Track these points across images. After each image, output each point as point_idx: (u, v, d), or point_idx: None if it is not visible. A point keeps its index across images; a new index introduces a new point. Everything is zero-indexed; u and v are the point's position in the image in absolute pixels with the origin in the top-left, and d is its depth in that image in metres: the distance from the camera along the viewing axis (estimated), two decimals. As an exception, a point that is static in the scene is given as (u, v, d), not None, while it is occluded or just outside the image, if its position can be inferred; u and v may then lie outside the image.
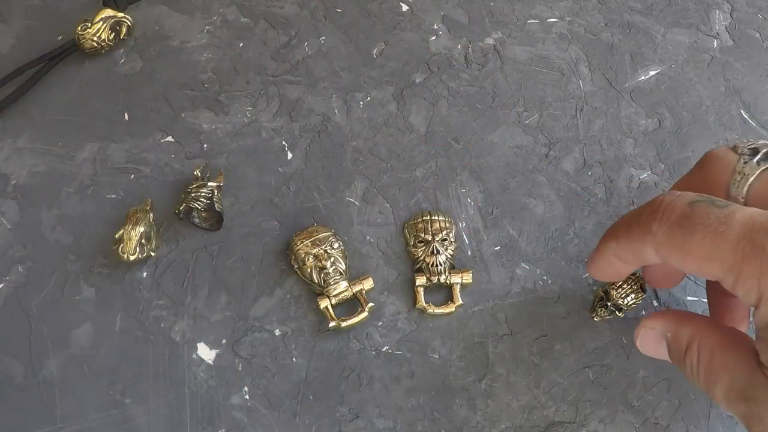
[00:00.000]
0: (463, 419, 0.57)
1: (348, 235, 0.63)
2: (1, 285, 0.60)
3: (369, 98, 0.70)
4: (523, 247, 0.63)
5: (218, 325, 0.59)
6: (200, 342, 0.59)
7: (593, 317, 0.60)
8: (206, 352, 0.58)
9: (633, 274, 0.58)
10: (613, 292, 0.58)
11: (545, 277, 0.62)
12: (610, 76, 0.72)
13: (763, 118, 0.70)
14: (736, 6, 0.76)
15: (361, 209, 0.65)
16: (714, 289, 0.54)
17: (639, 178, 0.67)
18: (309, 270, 0.59)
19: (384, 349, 0.59)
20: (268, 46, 0.72)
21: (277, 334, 0.59)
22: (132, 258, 0.58)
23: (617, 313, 0.58)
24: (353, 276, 0.61)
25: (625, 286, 0.58)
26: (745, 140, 0.50)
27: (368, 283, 0.60)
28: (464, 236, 0.64)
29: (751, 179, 0.46)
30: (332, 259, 0.60)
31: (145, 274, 0.61)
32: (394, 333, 0.60)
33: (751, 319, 0.53)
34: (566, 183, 0.66)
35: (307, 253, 0.60)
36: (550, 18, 0.75)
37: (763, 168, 0.46)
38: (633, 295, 0.58)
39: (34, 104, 0.68)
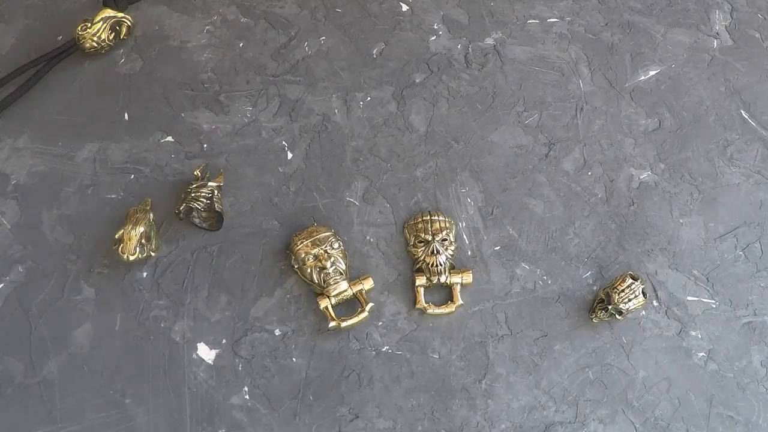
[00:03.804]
0: (463, 419, 0.57)
1: (348, 235, 0.63)
2: (1, 285, 0.60)
3: (369, 98, 0.70)
4: (523, 247, 0.63)
5: (218, 325, 0.59)
6: (200, 342, 0.59)
7: (592, 318, 0.60)
8: (206, 352, 0.58)
9: (635, 280, 0.58)
10: (615, 296, 0.57)
11: (545, 277, 0.62)
12: (610, 76, 0.72)
13: (763, 118, 0.70)
14: (736, 6, 0.76)
15: (361, 209, 0.65)
16: None
17: (639, 178, 0.67)
18: (309, 270, 0.59)
19: (384, 349, 0.59)
20: (268, 46, 0.72)
21: (277, 334, 0.59)
22: (132, 258, 0.58)
23: (617, 316, 0.58)
24: (353, 276, 0.61)
25: (627, 290, 0.58)
26: None
27: (368, 283, 0.60)
28: (464, 236, 0.64)
29: None
30: (332, 259, 0.60)
31: (145, 274, 0.61)
32: (394, 333, 0.60)
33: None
34: (566, 183, 0.66)
35: (307, 253, 0.60)
36: (550, 18, 0.75)
37: None
38: (634, 300, 0.58)
39: (34, 104, 0.68)
